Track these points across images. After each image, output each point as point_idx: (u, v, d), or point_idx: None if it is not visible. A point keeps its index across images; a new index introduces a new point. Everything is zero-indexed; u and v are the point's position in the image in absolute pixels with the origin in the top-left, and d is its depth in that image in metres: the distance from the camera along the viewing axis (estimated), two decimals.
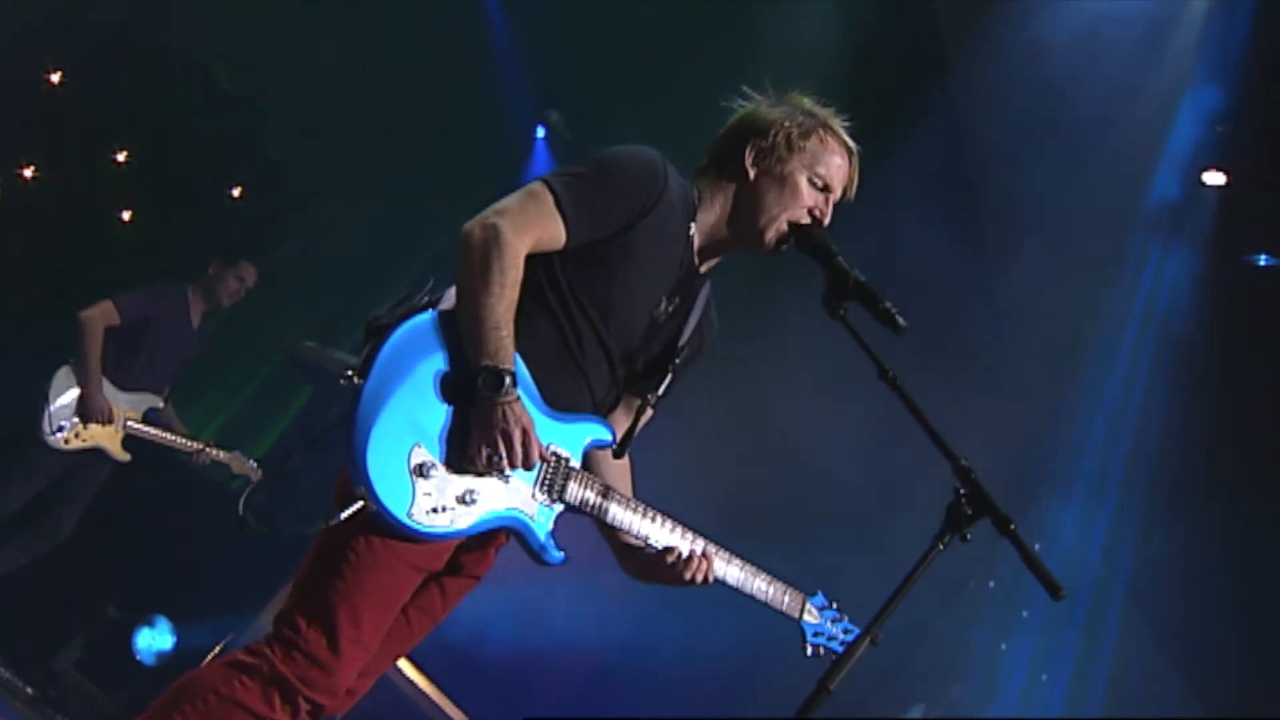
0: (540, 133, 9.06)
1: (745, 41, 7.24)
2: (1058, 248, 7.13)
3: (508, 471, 2.71)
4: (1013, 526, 2.35)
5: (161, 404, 6.48)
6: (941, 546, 2.41)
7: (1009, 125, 7.02)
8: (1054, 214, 7.20)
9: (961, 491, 2.41)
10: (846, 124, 3.05)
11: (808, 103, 3.05)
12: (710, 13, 7.64)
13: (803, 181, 2.96)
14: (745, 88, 3.08)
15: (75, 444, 6.14)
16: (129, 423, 6.30)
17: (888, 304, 2.70)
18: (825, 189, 2.98)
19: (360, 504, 2.55)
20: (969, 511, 2.39)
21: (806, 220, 2.96)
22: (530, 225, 2.74)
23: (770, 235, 2.96)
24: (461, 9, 8.08)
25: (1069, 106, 6.99)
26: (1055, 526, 7.29)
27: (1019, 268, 7.21)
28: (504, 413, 2.62)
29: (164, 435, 6.42)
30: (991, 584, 7.71)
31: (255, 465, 6.63)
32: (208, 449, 6.49)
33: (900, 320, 2.67)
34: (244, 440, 7.99)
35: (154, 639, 6.32)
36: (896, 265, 6.36)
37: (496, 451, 2.64)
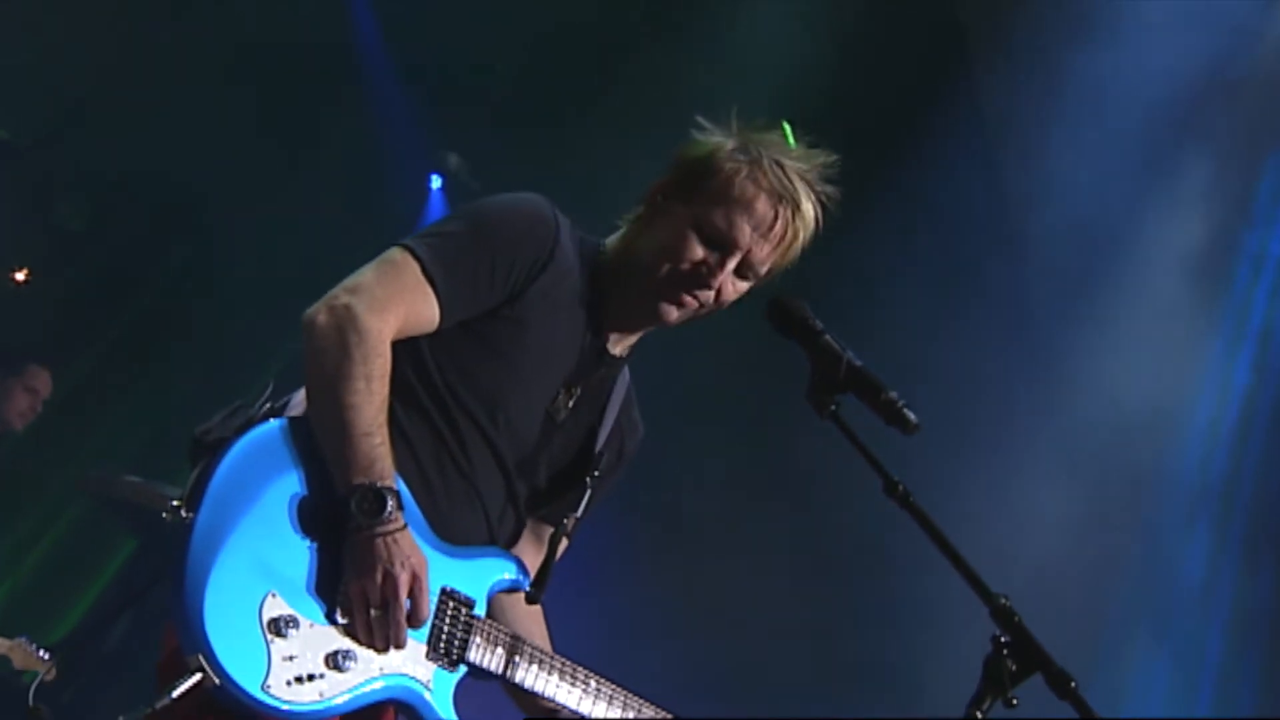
0: (436, 183, 9.15)
1: (695, 53, 7.33)
2: (1121, 314, 7.20)
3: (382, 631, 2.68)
4: (1073, 685, 2.32)
5: None
6: (980, 715, 2.37)
7: (1053, 148, 7.13)
8: (1117, 266, 7.29)
9: (1002, 640, 2.38)
10: (827, 165, 3.03)
11: (762, 135, 3.06)
12: (652, 18, 7.76)
13: (687, 231, 2.98)
14: (700, 118, 3.09)
15: None
16: None
17: (893, 394, 2.68)
18: (718, 245, 2.98)
19: (197, 676, 2.53)
20: (1013, 666, 2.36)
21: (689, 292, 2.98)
22: (392, 302, 2.77)
23: (661, 306, 3.00)
24: (327, 28, 8.15)
25: (1138, 112, 7.09)
26: (1145, 682, 7.26)
27: (1070, 340, 7.27)
28: (385, 546, 2.64)
29: None
30: None
31: (47, 657, 6.51)
32: None
33: (911, 416, 2.65)
34: (41, 614, 7.84)
35: None
36: (902, 344, 6.41)
37: (376, 600, 2.64)
